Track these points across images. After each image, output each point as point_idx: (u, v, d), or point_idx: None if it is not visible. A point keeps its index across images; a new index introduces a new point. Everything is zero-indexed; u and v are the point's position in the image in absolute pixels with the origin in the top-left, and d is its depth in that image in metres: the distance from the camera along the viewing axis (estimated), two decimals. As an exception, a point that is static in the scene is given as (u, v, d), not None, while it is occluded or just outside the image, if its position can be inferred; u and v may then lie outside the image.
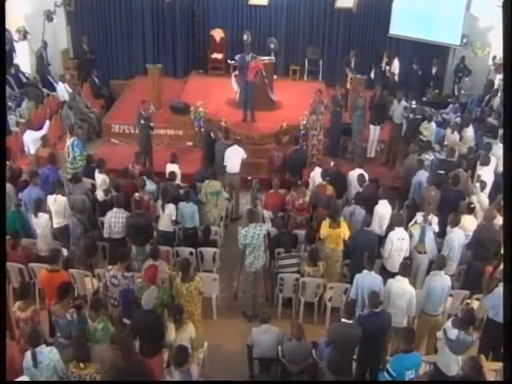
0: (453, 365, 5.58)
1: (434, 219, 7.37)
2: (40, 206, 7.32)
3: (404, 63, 13.34)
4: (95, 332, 5.60)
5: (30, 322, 5.59)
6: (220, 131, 10.13)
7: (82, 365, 5.02)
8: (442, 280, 6.35)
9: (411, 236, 7.33)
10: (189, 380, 5.05)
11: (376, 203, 7.75)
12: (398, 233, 7.16)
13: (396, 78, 12.94)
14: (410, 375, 5.23)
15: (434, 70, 13.62)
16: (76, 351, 5.06)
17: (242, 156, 9.24)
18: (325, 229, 7.27)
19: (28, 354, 5.03)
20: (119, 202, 7.51)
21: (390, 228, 7.41)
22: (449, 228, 7.39)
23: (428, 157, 9.40)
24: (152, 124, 10.12)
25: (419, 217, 7.53)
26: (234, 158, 9.15)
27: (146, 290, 5.92)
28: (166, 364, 5.58)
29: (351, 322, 5.71)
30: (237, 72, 11.77)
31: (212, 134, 9.97)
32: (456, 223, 7.26)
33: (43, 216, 7.33)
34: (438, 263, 6.47)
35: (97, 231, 7.81)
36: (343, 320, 5.71)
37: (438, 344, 5.84)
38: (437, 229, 7.39)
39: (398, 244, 7.09)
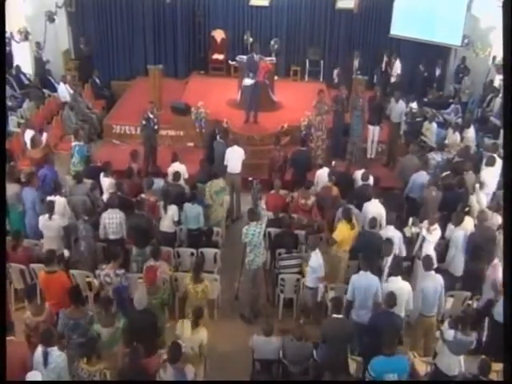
0: (453, 365, 5.60)
1: (437, 232, 7.23)
2: (52, 207, 7.26)
3: (405, 64, 13.33)
4: (117, 331, 5.60)
5: (49, 322, 5.62)
6: (221, 133, 10.12)
7: (90, 362, 5.02)
8: (433, 280, 6.33)
9: (412, 239, 7.31)
10: (182, 379, 5.06)
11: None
12: (389, 231, 7.17)
13: (397, 78, 12.95)
14: (390, 378, 5.21)
15: (437, 72, 13.62)
16: (86, 348, 5.07)
17: (241, 156, 9.24)
18: (343, 231, 7.22)
19: (39, 350, 5.04)
20: (113, 202, 7.51)
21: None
22: (452, 227, 7.37)
23: (435, 156, 9.35)
24: (156, 127, 10.13)
25: (412, 220, 7.52)
26: (234, 158, 9.15)
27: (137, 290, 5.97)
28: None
29: (341, 316, 5.73)
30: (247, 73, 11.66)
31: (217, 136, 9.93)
32: (459, 222, 7.25)
33: (56, 218, 7.28)
34: (425, 264, 6.43)
35: (97, 232, 7.81)
36: (334, 315, 5.73)
37: (436, 346, 5.84)
38: (436, 239, 7.27)
39: None
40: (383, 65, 13.45)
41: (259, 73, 11.10)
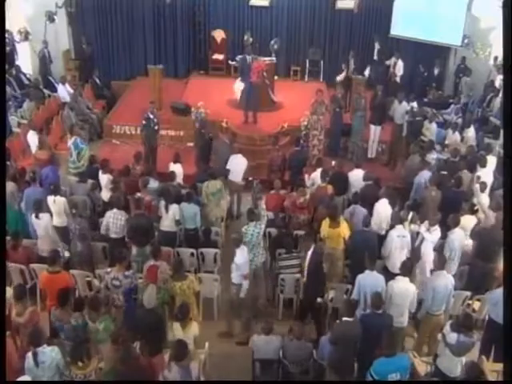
0: (455, 367, 5.57)
1: (437, 232, 7.22)
2: (40, 206, 7.31)
3: (405, 64, 13.32)
4: (97, 332, 5.61)
5: (30, 325, 5.58)
6: (222, 132, 10.14)
7: (80, 364, 5.01)
8: (444, 279, 6.34)
9: (412, 237, 7.32)
10: (188, 377, 5.06)
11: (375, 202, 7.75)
12: (399, 230, 7.16)
13: (398, 78, 12.95)
14: (394, 378, 5.19)
15: (436, 71, 13.63)
16: (73, 351, 5.06)
17: (244, 166, 9.21)
18: (325, 229, 7.28)
19: (29, 354, 5.02)
20: (119, 203, 7.52)
21: (391, 227, 7.40)
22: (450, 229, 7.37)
23: (433, 156, 9.36)
24: (157, 127, 10.15)
25: (411, 215, 7.55)
26: (237, 167, 9.10)
27: (146, 289, 5.94)
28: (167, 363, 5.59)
29: (352, 319, 5.73)
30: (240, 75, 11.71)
31: (205, 133, 9.96)
32: (456, 224, 7.23)
33: (44, 216, 7.32)
34: (438, 263, 6.45)
35: (97, 232, 7.81)
36: (344, 318, 5.73)
37: (438, 348, 5.83)
38: (436, 239, 7.23)
39: (399, 241, 7.08)
40: (375, 55, 13.33)
41: (252, 73, 11.10)
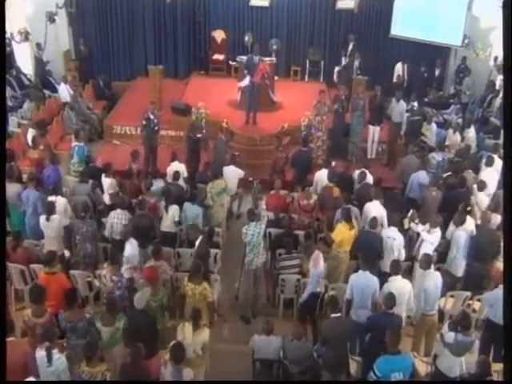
0: (455, 367, 5.58)
1: (438, 234, 7.22)
2: (52, 209, 7.23)
3: (406, 64, 13.31)
4: (117, 332, 5.59)
5: (48, 325, 5.58)
6: (221, 132, 10.14)
7: (91, 364, 5.03)
8: (433, 278, 6.36)
9: (411, 239, 7.32)
10: (179, 378, 5.06)
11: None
12: (390, 232, 7.17)
13: (398, 79, 12.94)
14: (396, 377, 5.18)
15: (436, 71, 13.62)
16: (87, 350, 5.06)
17: (239, 176, 9.11)
18: (342, 231, 7.21)
19: (42, 351, 5.00)
20: (123, 203, 7.51)
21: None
22: (453, 227, 7.35)
23: (435, 156, 9.34)
24: (157, 127, 10.15)
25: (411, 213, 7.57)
26: (231, 178, 8.98)
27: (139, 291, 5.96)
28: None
29: (339, 315, 5.77)
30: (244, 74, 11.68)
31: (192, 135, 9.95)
32: (462, 222, 7.24)
33: (55, 218, 7.24)
34: (423, 262, 6.44)
35: (98, 232, 7.81)
36: (332, 315, 5.75)
37: (435, 348, 5.83)
38: (436, 241, 7.24)
39: (389, 242, 7.08)
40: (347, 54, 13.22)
41: (256, 74, 11.10)
